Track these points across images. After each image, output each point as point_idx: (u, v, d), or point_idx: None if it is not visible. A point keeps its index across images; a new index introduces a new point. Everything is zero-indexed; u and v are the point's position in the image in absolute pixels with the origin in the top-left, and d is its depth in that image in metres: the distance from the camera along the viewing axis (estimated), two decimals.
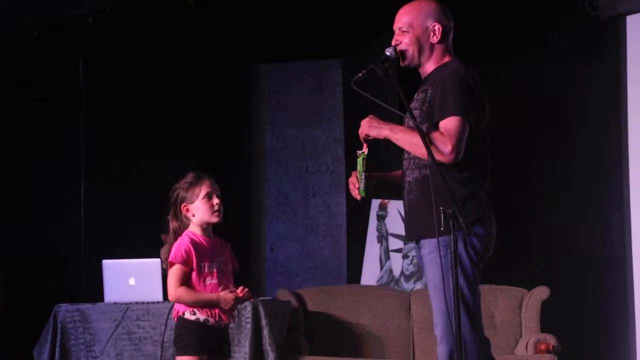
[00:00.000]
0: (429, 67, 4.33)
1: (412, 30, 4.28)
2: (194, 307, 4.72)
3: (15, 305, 7.48)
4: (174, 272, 4.71)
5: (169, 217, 4.84)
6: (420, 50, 4.29)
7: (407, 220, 4.35)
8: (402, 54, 4.29)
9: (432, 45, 4.30)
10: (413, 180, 4.25)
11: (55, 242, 7.62)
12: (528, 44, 7.16)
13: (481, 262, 4.23)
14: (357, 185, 4.30)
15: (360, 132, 4.23)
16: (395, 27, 4.34)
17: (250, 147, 8.53)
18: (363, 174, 4.28)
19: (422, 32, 4.29)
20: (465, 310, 4.12)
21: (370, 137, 4.22)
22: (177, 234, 4.79)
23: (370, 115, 4.21)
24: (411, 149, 4.17)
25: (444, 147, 4.07)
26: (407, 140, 4.15)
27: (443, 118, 4.13)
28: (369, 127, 4.20)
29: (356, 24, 7.41)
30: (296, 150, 8.41)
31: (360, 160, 4.29)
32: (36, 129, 7.67)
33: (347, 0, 7.15)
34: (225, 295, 4.70)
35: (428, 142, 4.04)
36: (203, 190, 4.76)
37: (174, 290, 4.71)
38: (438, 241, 4.03)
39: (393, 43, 4.31)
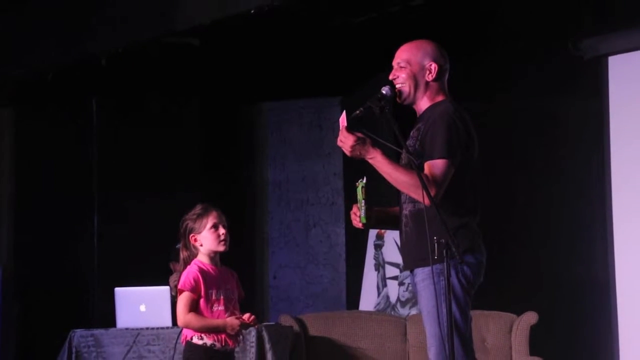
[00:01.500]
0: (422, 104, 4.34)
1: (409, 66, 4.29)
2: (202, 332, 4.72)
3: (32, 331, 7.49)
4: (183, 299, 4.71)
5: (180, 246, 4.86)
6: (415, 87, 4.29)
7: (404, 251, 4.37)
8: (399, 91, 4.30)
9: (427, 83, 4.30)
10: (409, 214, 4.26)
11: (71, 271, 7.63)
12: (512, 81, 7.19)
13: (472, 289, 4.24)
14: (358, 214, 4.31)
15: (343, 146, 4.15)
16: (395, 62, 4.35)
17: (254, 180, 8.54)
18: (363, 201, 4.29)
19: (418, 69, 4.30)
20: (458, 335, 4.11)
21: (356, 155, 4.16)
22: (187, 263, 4.80)
23: (361, 136, 4.16)
24: (394, 183, 4.17)
25: (429, 192, 4.04)
26: (389, 173, 4.14)
27: (431, 159, 4.15)
28: (355, 146, 4.13)
29: (354, 64, 7.45)
30: (297, 183, 8.43)
31: (359, 189, 4.28)
32: (53, 163, 7.72)
33: (346, 42, 7.19)
34: (232, 321, 4.71)
35: (411, 182, 4.07)
36: (210, 221, 4.77)
37: (183, 316, 4.71)
38: (432, 269, 4.06)
39: (391, 77, 4.32)
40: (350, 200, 8.10)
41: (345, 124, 4.15)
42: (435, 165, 4.14)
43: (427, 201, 4.04)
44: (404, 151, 4.22)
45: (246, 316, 4.74)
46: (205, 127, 8.27)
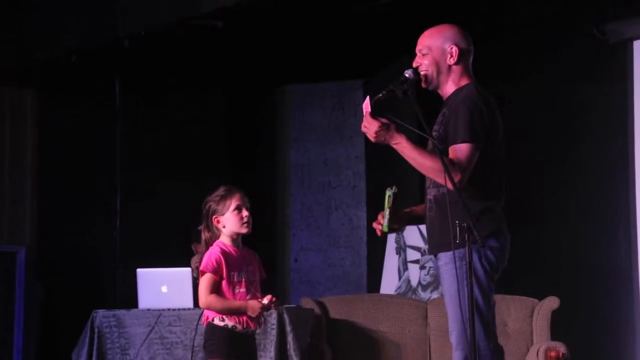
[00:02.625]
0: (447, 89, 4.32)
1: (430, 52, 4.28)
2: (223, 314, 4.72)
3: (55, 311, 7.52)
4: (205, 280, 4.71)
5: (202, 228, 4.85)
6: (438, 72, 4.28)
7: (428, 235, 4.36)
8: (425, 76, 4.28)
9: (449, 67, 4.29)
10: (433, 198, 4.26)
11: (93, 253, 7.66)
12: (536, 66, 7.16)
13: (495, 273, 4.23)
14: (381, 222, 4.28)
15: (368, 131, 4.13)
16: (417, 49, 4.33)
17: (276, 163, 8.54)
18: (388, 210, 4.27)
19: (440, 54, 4.28)
20: (480, 319, 4.12)
21: (381, 141, 4.15)
22: (209, 244, 4.81)
23: (386, 121, 4.14)
24: (418, 168, 4.16)
25: (454, 176, 4.04)
26: (414, 158, 4.13)
27: (455, 143, 4.14)
28: (380, 131, 4.12)
29: (377, 47, 7.42)
30: (319, 166, 8.42)
31: (387, 198, 4.27)
32: (76, 145, 7.74)
33: (369, 24, 7.16)
34: (253, 303, 4.70)
35: (436, 166, 4.05)
36: (233, 203, 4.77)
37: (204, 297, 4.71)
38: (454, 253, 4.05)
39: (414, 65, 4.30)
40: (372, 183, 8.13)
41: (369, 110, 4.13)
42: (459, 150, 4.12)
43: (451, 186, 4.02)
44: (428, 135, 4.19)
45: (267, 299, 4.74)
46: (228, 109, 8.28)
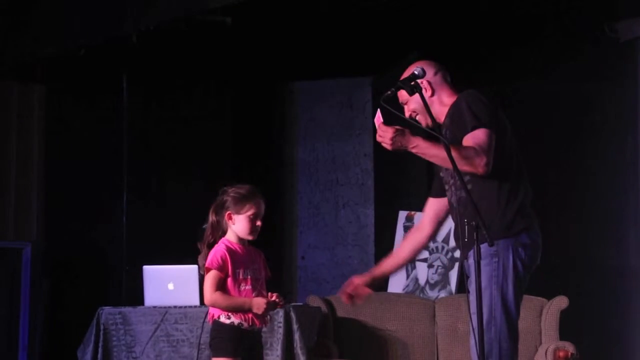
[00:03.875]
0: (441, 115, 4.34)
1: (408, 98, 4.30)
2: (229, 311, 4.71)
3: (61, 308, 7.52)
4: (210, 278, 4.70)
5: (210, 211, 4.79)
6: (427, 112, 4.24)
7: (458, 238, 4.31)
8: (420, 119, 4.33)
9: (431, 99, 4.31)
10: (457, 201, 4.24)
11: (99, 249, 7.65)
12: (547, 65, 7.13)
13: (528, 271, 4.21)
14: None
15: (384, 140, 4.11)
16: (400, 102, 4.37)
17: (283, 160, 8.52)
18: None
19: (415, 101, 4.29)
20: (507, 319, 4.10)
21: (398, 147, 4.14)
22: (214, 229, 4.76)
23: (400, 127, 4.13)
24: (444, 164, 4.14)
25: (479, 160, 4.05)
26: (436, 155, 4.09)
27: (468, 132, 4.13)
28: (395, 138, 4.09)
29: (386, 43, 7.40)
30: (327, 163, 8.40)
31: None
32: (83, 141, 7.73)
33: (377, 21, 7.14)
34: (258, 300, 4.69)
35: (460, 154, 4.03)
36: (253, 209, 4.72)
37: (209, 294, 4.70)
38: (476, 249, 3.98)
39: (406, 116, 4.33)
40: (380, 181, 8.10)
41: (382, 121, 4.10)
42: (474, 136, 4.11)
43: (481, 169, 4.03)
44: (437, 133, 4.16)
45: (273, 296, 4.72)
46: (236, 106, 8.26)
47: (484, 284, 4.03)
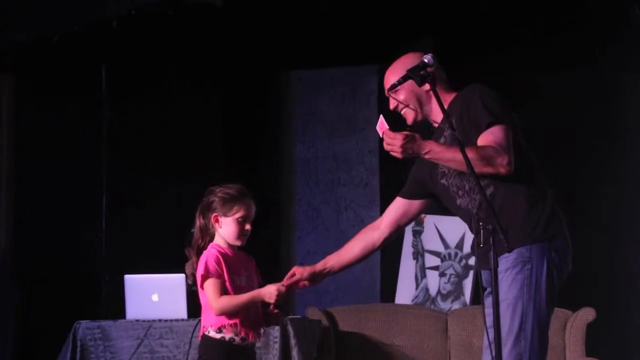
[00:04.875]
0: (436, 113, 4.33)
1: (402, 87, 4.29)
2: (238, 314, 4.65)
3: (33, 322, 7.53)
4: (211, 285, 4.65)
5: (197, 214, 4.80)
6: (420, 103, 4.29)
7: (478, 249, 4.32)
8: (407, 113, 4.33)
9: (427, 93, 4.30)
10: (479, 203, 4.21)
11: (76, 257, 7.67)
12: (576, 52, 7.15)
13: (561, 277, 4.22)
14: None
15: (392, 148, 4.11)
16: (386, 91, 4.37)
17: (279, 158, 8.54)
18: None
19: (410, 94, 4.31)
20: (539, 331, 4.12)
21: (409, 155, 4.14)
22: (203, 232, 4.76)
23: (409, 133, 4.12)
24: (460, 167, 4.13)
25: (501, 159, 4.07)
26: (452, 159, 4.10)
27: (483, 130, 4.13)
28: (406, 145, 4.08)
29: (393, 28, 7.41)
30: (328, 162, 8.41)
31: None
32: (58, 137, 7.74)
33: (383, 4, 7.15)
34: (268, 288, 4.66)
35: (478, 156, 4.04)
36: (241, 211, 4.71)
37: (216, 302, 4.64)
38: (518, 254, 4.00)
39: (391, 107, 4.33)
40: (386, 181, 8.10)
41: (387, 127, 4.10)
42: (492, 133, 4.11)
43: (503, 169, 4.04)
44: (448, 126, 4.18)
45: (286, 280, 4.71)
46: (227, 98, 8.28)
47: (515, 292, 4.04)
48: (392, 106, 4.34)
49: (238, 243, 4.75)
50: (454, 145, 4.13)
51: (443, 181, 4.37)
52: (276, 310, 4.74)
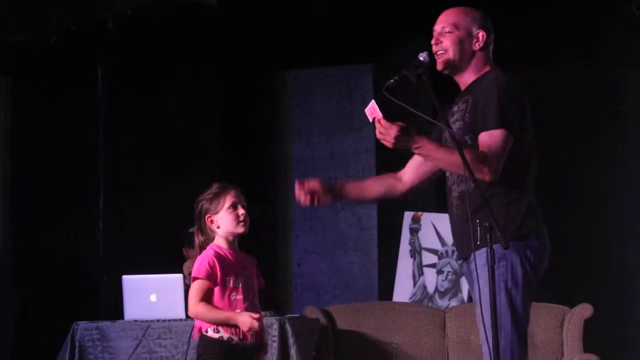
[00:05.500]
0: (468, 76, 4.33)
1: (456, 31, 4.28)
2: (214, 324, 4.71)
3: (31, 323, 7.53)
4: (196, 287, 4.71)
5: (194, 230, 4.85)
6: (461, 54, 4.29)
7: (458, 237, 4.33)
8: (440, 55, 4.27)
9: (473, 52, 4.31)
10: (459, 195, 4.25)
11: (74, 257, 7.66)
12: (574, 45, 7.14)
13: (536, 275, 4.22)
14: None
15: (385, 137, 4.10)
16: (437, 26, 4.32)
17: (276, 157, 8.54)
18: None
19: (466, 36, 4.30)
20: (517, 328, 4.14)
21: (400, 146, 4.13)
22: (202, 248, 4.81)
23: (404, 125, 4.11)
24: (448, 168, 4.17)
25: (487, 168, 4.07)
26: (442, 158, 4.13)
27: (486, 129, 4.13)
28: (399, 137, 4.08)
29: (388, 26, 7.41)
30: (324, 160, 8.41)
31: None
32: (55, 137, 7.73)
33: (378, 3, 7.14)
34: (244, 317, 4.69)
35: (467, 159, 4.02)
36: (228, 200, 4.77)
37: (193, 306, 4.72)
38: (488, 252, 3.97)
39: (433, 42, 4.29)
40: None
41: (381, 115, 4.08)
42: (491, 136, 4.11)
43: (487, 177, 4.06)
44: (444, 125, 4.18)
45: (258, 316, 4.71)
46: (223, 98, 8.29)
47: (488, 289, 4.03)
48: (434, 42, 4.30)
49: (241, 229, 4.78)
50: (466, 119, 4.19)
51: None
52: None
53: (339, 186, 4.50)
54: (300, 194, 4.43)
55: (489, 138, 4.10)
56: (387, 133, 4.06)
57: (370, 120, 4.12)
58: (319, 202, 4.40)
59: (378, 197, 4.65)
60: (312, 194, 4.38)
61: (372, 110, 4.12)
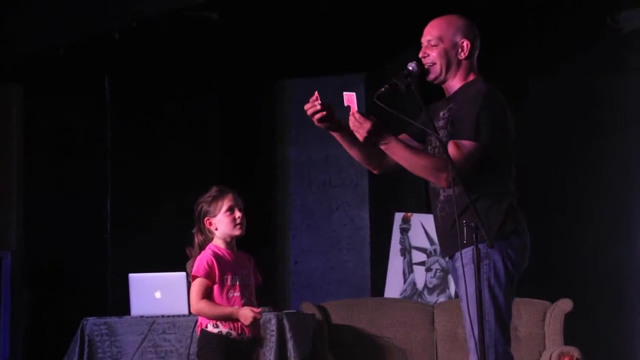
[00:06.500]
0: (454, 84, 4.33)
1: (441, 43, 4.27)
2: (215, 320, 4.76)
3: (43, 319, 7.52)
4: (196, 285, 4.75)
5: (194, 231, 4.89)
6: (447, 66, 4.28)
7: (442, 237, 4.34)
8: (429, 68, 4.28)
9: (459, 62, 4.29)
10: (445, 199, 4.26)
11: (83, 257, 7.65)
12: (551, 57, 7.16)
13: (517, 273, 4.24)
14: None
15: (358, 130, 4.13)
16: (424, 39, 4.32)
17: (274, 161, 8.53)
18: None
19: (450, 46, 4.28)
20: (500, 322, 4.16)
21: (370, 141, 4.14)
22: (202, 247, 4.84)
23: (375, 120, 4.13)
24: (410, 168, 4.18)
25: (446, 175, 4.08)
26: (406, 158, 4.15)
27: (457, 139, 4.15)
28: (372, 131, 4.11)
29: (379, 38, 7.42)
30: (320, 164, 8.41)
31: None
32: (64, 143, 7.74)
33: (371, 15, 7.16)
34: (245, 311, 4.72)
35: (428, 164, 4.10)
36: (225, 204, 4.80)
37: (195, 303, 4.76)
38: (474, 250, 3.99)
39: (420, 55, 4.29)
40: (375, 181, 8.12)
41: (356, 107, 4.12)
42: (459, 146, 4.13)
43: (444, 184, 4.10)
44: (431, 131, 4.21)
45: (260, 310, 4.76)
46: (224, 105, 8.27)
47: (475, 286, 4.05)
48: (421, 55, 4.29)
49: (237, 232, 4.81)
50: (448, 128, 4.19)
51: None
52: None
53: (343, 125, 4.34)
54: (317, 103, 4.26)
55: (456, 148, 4.12)
56: (360, 126, 4.12)
57: (345, 105, 4.16)
58: (325, 118, 4.25)
59: (366, 159, 4.42)
60: (327, 109, 4.25)
61: (350, 98, 4.17)
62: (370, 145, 4.22)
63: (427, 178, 4.19)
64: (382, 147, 4.16)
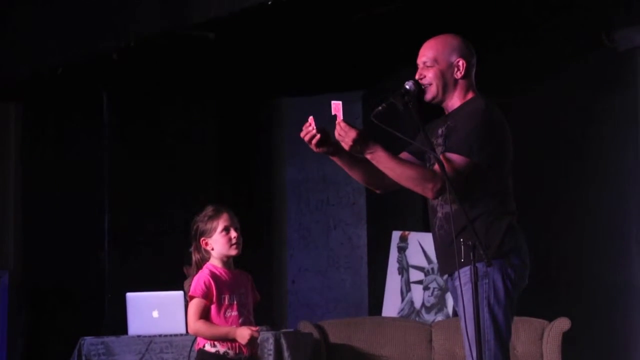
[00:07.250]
0: (453, 103, 4.28)
1: (436, 65, 4.22)
2: (213, 340, 4.71)
3: (40, 339, 7.50)
4: (194, 306, 4.71)
5: (192, 250, 4.84)
6: (444, 86, 4.23)
7: (441, 255, 4.28)
8: (426, 88, 4.23)
9: (455, 81, 4.25)
10: (443, 216, 4.21)
11: (80, 276, 7.64)
12: (546, 76, 7.15)
13: (516, 292, 4.19)
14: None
15: (343, 140, 4.07)
16: (420, 61, 4.28)
17: (271, 180, 8.54)
18: None
19: (446, 67, 4.23)
20: (500, 343, 4.11)
21: (355, 151, 4.09)
22: (199, 266, 4.80)
23: (360, 130, 4.08)
24: (397, 179, 4.12)
25: (432, 185, 4.05)
26: (392, 168, 4.10)
27: (448, 152, 4.11)
28: (357, 140, 4.05)
29: (377, 56, 7.42)
30: (317, 183, 8.41)
31: None
32: (62, 162, 7.72)
33: (367, 34, 7.15)
34: (242, 331, 4.69)
35: (415, 175, 4.05)
36: (221, 224, 4.75)
37: (192, 323, 4.72)
38: (470, 270, 3.95)
39: (417, 77, 4.25)
40: (373, 200, 8.09)
41: (342, 117, 4.08)
42: (449, 159, 4.09)
43: (430, 194, 4.06)
44: (427, 148, 4.17)
45: (256, 328, 4.70)
46: (221, 124, 8.28)
47: (474, 306, 4.01)
48: (417, 76, 4.24)
49: (233, 252, 4.77)
50: (444, 144, 4.15)
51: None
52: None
53: (341, 147, 4.21)
54: (312, 128, 4.16)
55: (446, 161, 4.07)
56: (345, 135, 4.06)
57: (332, 114, 4.11)
58: (322, 142, 4.15)
59: (362, 177, 4.34)
60: (322, 132, 4.14)
61: (336, 107, 4.12)
62: (365, 161, 4.17)
63: (413, 189, 4.13)
64: (368, 156, 4.11)
